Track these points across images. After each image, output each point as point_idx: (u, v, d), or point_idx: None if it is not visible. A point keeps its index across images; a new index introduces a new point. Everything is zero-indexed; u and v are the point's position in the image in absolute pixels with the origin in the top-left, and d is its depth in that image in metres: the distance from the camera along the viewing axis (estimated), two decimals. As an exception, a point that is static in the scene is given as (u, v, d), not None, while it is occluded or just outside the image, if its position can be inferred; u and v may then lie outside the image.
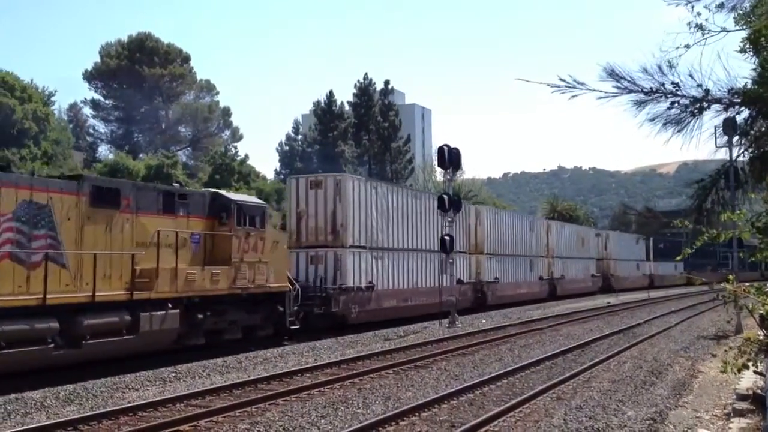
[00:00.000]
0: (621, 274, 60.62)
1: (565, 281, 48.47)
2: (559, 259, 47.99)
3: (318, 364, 16.66)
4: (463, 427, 10.19)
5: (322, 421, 10.87)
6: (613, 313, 34.09)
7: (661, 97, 7.29)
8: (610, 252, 59.82)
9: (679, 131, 7.56)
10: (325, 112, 64.23)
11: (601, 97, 7.01)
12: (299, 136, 70.11)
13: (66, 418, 10.80)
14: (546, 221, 50.42)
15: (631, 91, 7.20)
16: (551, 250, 46.96)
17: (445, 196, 28.48)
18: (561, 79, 6.85)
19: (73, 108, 72.40)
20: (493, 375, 14.92)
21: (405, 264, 28.34)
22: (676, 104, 7.39)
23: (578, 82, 6.80)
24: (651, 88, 7.25)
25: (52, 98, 61.24)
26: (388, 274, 27.32)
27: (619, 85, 7.13)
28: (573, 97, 6.83)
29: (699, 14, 7.84)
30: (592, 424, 10.54)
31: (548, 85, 6.81)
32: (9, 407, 11.75)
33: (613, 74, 7.06)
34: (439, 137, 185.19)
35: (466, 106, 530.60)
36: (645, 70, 7.17)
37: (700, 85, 7.28)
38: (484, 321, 29.27)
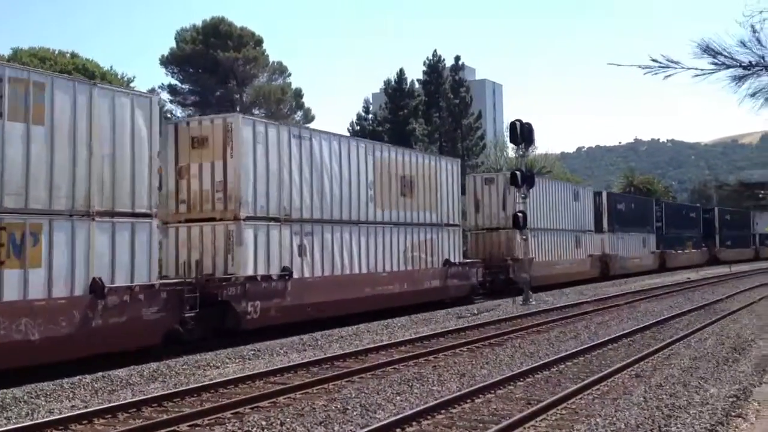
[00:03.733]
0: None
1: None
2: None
3: (392, 341, 16.78)
4: (540, 405, 10.09)
5: (398, 398, 10.95)
6: (692, 289, 33.25)
7: (761, 70, 6.96)
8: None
9: None
10: (396, 90, 64.04)
11: (697, 75, 6.72)
12: (369, 116, 70.10)
13: (151, 395, 11.16)
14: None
15: (729, 67, 6.88)
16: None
17: (518, 172, 28.22)
18: (653, 60, 6.60)
19: (151, 93, 74.12)
20: (569, 352, 14.75)
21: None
22: None
23: (672, 61, 6.53)
24: (750, 62, 6.92)
25: (131, 84, 62.72)
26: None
27: (715, 61, 6.81)
28: (667, 77, 6.59)
29: None
30: (673, 402, 10.32)
31: (640, 66, 6.58)
32: (96, 385, 12.22)
33: (708, 50, 6.74)
34: (510, 112, 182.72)
35: (538, 81, 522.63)
36: (743, 44, 6.83)
37: None
38: (564, 297, 28.94)
